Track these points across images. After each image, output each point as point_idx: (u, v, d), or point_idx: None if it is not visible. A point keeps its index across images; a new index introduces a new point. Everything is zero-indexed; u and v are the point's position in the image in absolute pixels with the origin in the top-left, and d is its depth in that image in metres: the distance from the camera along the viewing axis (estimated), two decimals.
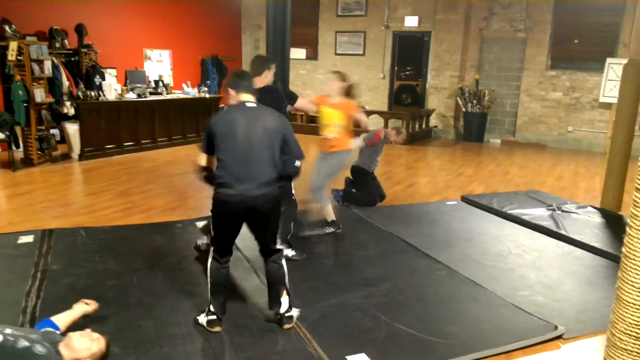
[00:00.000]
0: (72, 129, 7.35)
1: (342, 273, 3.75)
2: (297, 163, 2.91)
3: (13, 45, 6.55)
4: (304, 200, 4.47)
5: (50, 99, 7.05)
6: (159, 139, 8.52)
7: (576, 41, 10.09)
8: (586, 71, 9.83)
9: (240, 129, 2.73)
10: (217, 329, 2.82)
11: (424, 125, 10.95)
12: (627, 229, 2.19)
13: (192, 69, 11.05)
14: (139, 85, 8.84)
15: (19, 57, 6.52)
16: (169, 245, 4.16)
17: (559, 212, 5.35)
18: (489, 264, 4.02)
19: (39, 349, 2.13)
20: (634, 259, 2.14)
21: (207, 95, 9.56)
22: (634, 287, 2.15)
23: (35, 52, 6.68)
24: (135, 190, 5.87)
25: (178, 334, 2.79)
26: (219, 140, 2.72)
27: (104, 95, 7.71)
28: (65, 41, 8.22)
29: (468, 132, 10.77)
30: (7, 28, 7.46)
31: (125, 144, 7.96)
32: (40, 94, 6.73)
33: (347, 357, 2.63)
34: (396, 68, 11.66)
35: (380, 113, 10.82)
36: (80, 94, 7.50)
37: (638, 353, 2.21)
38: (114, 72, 8.90)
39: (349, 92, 4.38)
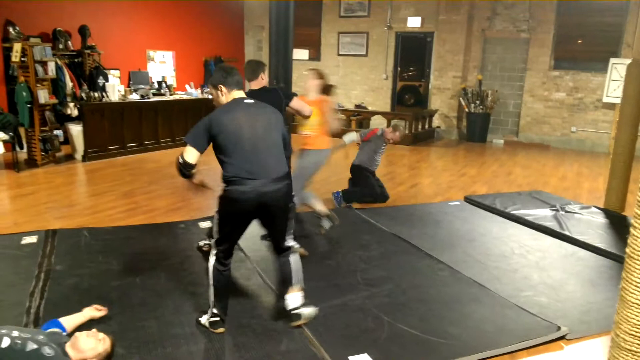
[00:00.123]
0: (76, 130, 7.37)
1: (344, 274, 3.75)
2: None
3: (17, 46, 6.57)
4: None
5: (54, 100, 7.07)
6: (162, 140, 8.54)
7: (579, 41, 10.07)
8: (590, 71, 9.81)
9: (246, 127, 2.71)
10: (221, 329, 2.82)
11: (426, 126, 10.94)
12: (631, 229, 2.18)
13: (195, 70, 11.07)
14: (142, 86, 8.87)
15: (22, 59, 6.54)
16: (172, 246, 4.16)
17: (563, 212, 5.34)
18: (492, 265, 4.01)
19: (47, 350, 2.14)
20: (638, 260, 2.14)
21: (210, 96, 9.55)
22: (638, 287, 2.15)
23: (39, 53, 6.70)
24: (138, 191, 5.88)
25: (181, 334, 2.80)
26: (224, 139, 2.67)
27: (107, 97, 7.73)
28: (69, 42, 8.25)
29: (471, 133, 10.76)
30: (11, 30, 7.50)
31: (129, 144, 7.98)
32: (44, 95, 6.76)
33: (349, 357, 2.63)
34: (399, 69, 11.66)
35: (383, 114, 10.82)
36: (83, 95, 7.53)
37: None
38: (117, 73, 8.93)
39: (326, 91, 4.34)
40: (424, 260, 4.03)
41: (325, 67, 12.12)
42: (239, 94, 2.86)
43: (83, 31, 8.35)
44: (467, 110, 10.66)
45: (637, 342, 2.20)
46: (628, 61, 5.45)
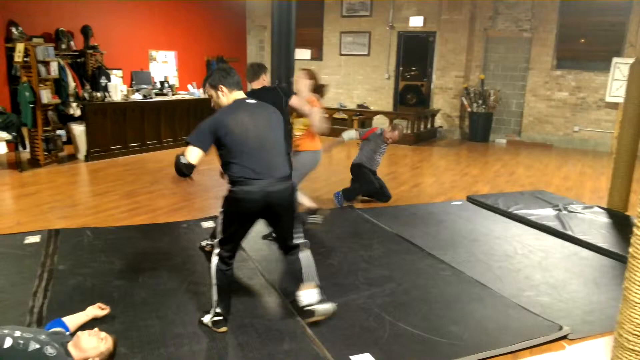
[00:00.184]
0: (78, 129, 7.39)
1: (346, 273, 3.75)
2: None
3: (20, 47, 6.58)
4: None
5: (57, 100, 7.08)
6: (165, 140, 8.55)
7: (582, 41, 10.05)
8: (592, 71, 9.79)
9: (251, 127, 2.72)
10: (223, 329, 2.82)
11: (429, 126, 10.94)
12: (634, 229, 2.18)
13: (197, 70, 11.07)
14: (145, 86, 8.88)
15: (25, 59, 6.56)
16: (175, 246, 4.17)
17: (565, 212, 5.33)
18: (494, 265, 4.01)
19: (50, 350, 2.15)
20: None
21: (209, 97, 9.55)
22: None
23: (42, 53, 6.71)
24: (141, 190, 5.89)
25: (184, 334, 2.80)
26: (229, 140, 2.67)
27: (109, 97, 7.75)
28: (71, 43, 8.26)
29: (473, 132, 10.75)
30: (13, 30, 7.51)
31: (131, 144, 7.99)
32: (46, 95, 6.77)
33: (351, 357, 2.63)
34: (401, 68, 11.65)
35: (385, 113, 10.81)
36: (86, 95, 7.54)
37: None
38: (119, 73, 8.93)
39: (319, 91, 4.30)
40: (426, 260, 4.03)
41: (328, 66, 12.14)
42: (239, 94, 2.87)
43: (85, 31, 8.37)
44: (469, 109, 10.65)
45: None
46: (631, 60, 5.44)
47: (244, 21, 12.69)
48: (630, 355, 2.23)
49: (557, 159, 8.86)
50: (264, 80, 3.93)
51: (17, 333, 2.16)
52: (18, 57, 6.58)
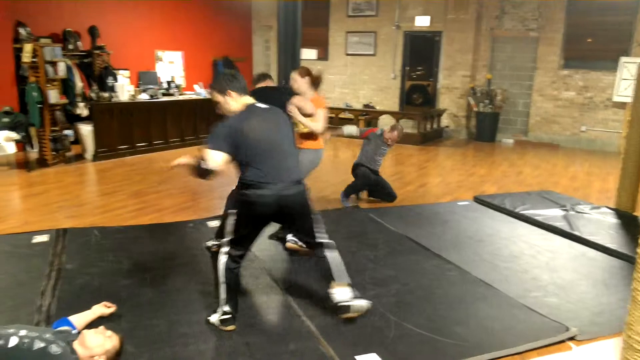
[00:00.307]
0: (86, 129, 7.43)
1: (352, 273, 3.70)
2: None
3: (28, 47, 6.63)
4: None
5: (64, 100, 7.13)
6: (171, 140, 8.58)
7: (589, 40, 9.99)
8: (600, 70, 9.73)
9: (265, 132, 2.76)
10: (231, 327, 2.83)
11: (435, 126, 10.91)
12: None
13: (203, 70, 11.11)
14: (151, 86, 8.92)
15: (33, 59, 6.60)
16: (182, 245, 4.18)
17: (573, 212, 5.30)
18: (501, 265, 3.99)
19: (55, 349, 2.16)
20: None
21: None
22: None
23: (49, 54, 6.75)
24: (148, 190, 5.91)
25: (190, 333, 2.81)
26: (245, 146, 2.70)
27: (116, 97, 7.78)
28: (79, 43, 8.30)
29: (480, 132, 10.71)
30: (21, 31, 7.56)
31: (138, 144, 8.03)
32: (54, 96, 6.81)
33: (357, 356, 2.62)
34: (407, 68, 11.63)
35: (391, 113, 10.80)
36: (93, 95, 7.58)
37: None
38: (126, 73, 8.97)
39: (317, 82, 4.19)
40: (432, 260, 4.02)
41: (334, 66, 12.13)
42: (249, 99, 2.89)
43: (92, 31, 8.41)
44: (476, 109, 10.62)
45: None
46: (639, 60, 5.40)
47: (250, 21, 12.72)
48: (639, 357, 2.21)
49: (564, 159, 8.82)
50: (266, 83, 4.05)
51: (23, 332, 2.17)
52: (26, 57, 6.62)
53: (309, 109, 3.90)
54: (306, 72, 4.13)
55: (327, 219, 4.54)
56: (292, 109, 3.81)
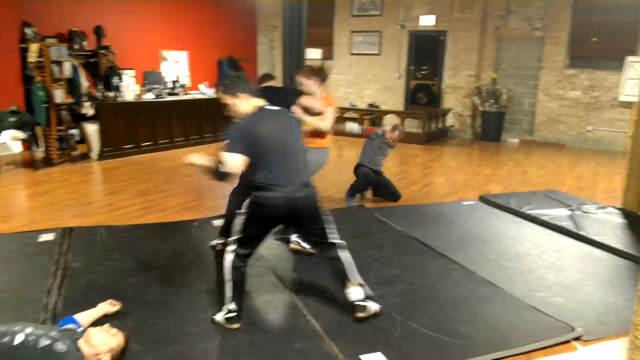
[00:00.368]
0: (91, 129, 7.46)
1: (358, 272, 3.73)
2: None
3: (34, 47, 6.66)
4: None
5: (70, 100, 7.16)
6: (176, 139, 8.60)
7: (595, 39, 9.94)
8: (605, 69, 9.68)
9: (276, 135, 2.78)
10: (236, 325, 2.83)
11: (440, 125, 10.89)
12: None
13: (208, 70, 11.12)
14: (156, 86, 8.94)
15: (39, 59, 6.64)
16: (187, 244, 4.19)
17: (579, 212, 5.27)
18: (506, 265, 3.98)
19: (60, 346, 2.17)
20: None
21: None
22: None
23: (55, 53, 6.79)
24: (153, 189, 5.93)
25: (196, 332, 2.82)
26: (257, 148, 2.71)
27: (122, 96, 7.81)
28: (84, 43, 8.33)
29: (485, 132, 10.68)
30: (27, 30, 7.59)
31: (143, 144, 8.05)
32: (60, 95, 6.85)
33: (361, 356, 2.62)
34: (412, 67, 11.61)
35: (396, 113, 10.78)
36: (99, 94, 7.61)
37: None
38: (132, 73, 9.00)
39: (324, 77, 4.09)
40: (437, 260, 4.01)
41: (338, 66, 12.12)
42: (259, 101, 2.89)
43: (98, 31, 8.44)
44: (481, 109, 10.59)
45: None
46: None
47: (255, 21, 12.73)
48: None
49: (570, 159, 8.78)
50: (271, 84, 4.14)
51: (29, 330, 2.18)
52: (32, 57, 6.65)
53: (319, 107, 3.86)
54: (311, 72, 4.06)
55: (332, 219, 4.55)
56: (296, 110, 3.80)
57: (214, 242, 4.08)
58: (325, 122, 3.99)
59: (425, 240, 4.42)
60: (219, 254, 3.93)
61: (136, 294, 3.26)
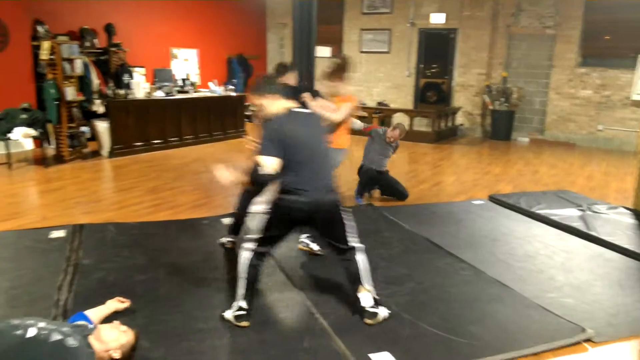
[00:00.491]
0: (102, 126, 7.51)
1: None
2: None
3: (45, 44, 6.71)
4: None
5: (81, 97, 7.21)
6: (186, 137, 8.64)
7: (607, 37, 9.84)
8: (618, 68, 9.58)
9: (304, 138, 2.80)
10: (245, 323, 2.85)
11: (450, 124, 10.84)
12: None
13: (218, 68, 11.16)
14: (167, 83, 8.98)
15: (51, 56, 6.68)
16: (196, 242, 4.21)
17: (590, 212, 5.23)
18: (516, 265, 3.96)
19: (71, 341, 2.18)
20: None
21: (234, 94, 9.66)
22: None
23: (67, 51, 6.83)
24: (163, 187, 5.96)
25: (205, 329, 2.83)
26: (287, 148, 2.72)
27: (132, 94, 7.85)
28: (95, 40, 8.39)
29: (495, 131, 10.62)
30: (39, 28, 7.66)
31: (153, 141, 8.09)
32: (71, 92, 6.89)
33: (370, 355, 2.62)
34: (422, 66, 11.56)
35: (405, 111, 10.75)
36: (109, 92, 7.66)
37: None
38: (142, 70, 9.05)
39: (344, 72, 4.08)
40: (446, 259, 4.00)
41: None
42: (288, 103, 2.91)
43: (109, 29, 8.49)
44: (491, 107, 10.52)
45: None
46: None
47: (264, 19, 12.74)
48: None
49: (581, 158, 8.71)
50: (288, 80, 3.96)
51: (42, 324, 2.21)
52: (44, 54, 6.70)
53: (330, 113, 3.87)
54: (335, 74, 4.03)
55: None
56: (307, 98, 3.81)
57: (224, 239, 4.10)
58: (336, 115, 3.98)
59: (434, 239, 4.40)
60: (229, 251, 3.96)
61: (146, 290, 3.28)
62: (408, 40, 11.45)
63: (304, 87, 4.21)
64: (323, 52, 12.05)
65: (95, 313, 2.76)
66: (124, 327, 2.44)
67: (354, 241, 3.00)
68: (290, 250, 4.03)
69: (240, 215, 3.98)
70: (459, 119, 11.19)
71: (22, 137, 6.85)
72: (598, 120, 9.93)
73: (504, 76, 10.51)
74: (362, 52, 12.08)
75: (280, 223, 2.86)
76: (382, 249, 4.16)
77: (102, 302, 2.89)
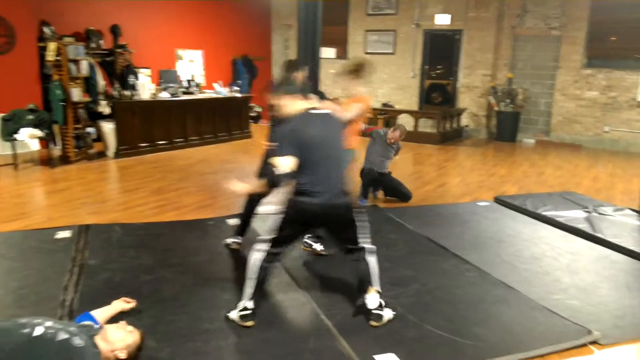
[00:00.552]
0: (108, 127, 7.53)
1: None
2: None
3: (52, 45, 6.75)
4: None
5: (87, 98, 7.24)
6: (191, 138, 8.66)
7: (613, 39, 9.80)
8: (624, 69, 9.54)
9: (320, 139, 2.80)
10: (250, 323, 2.85)
11: (455, 125, 10.82)
12: None
13: (223, 69, 11.18)
14: (172, 84, 9.01)
15: (57, 58, 6.72)
16: (202, 242, 4.22)
17: (595, 214, 5.21)
18: (521, 266, 3.94)
19: (77, 341, 2.19)
20: None
21: (239, 95, 9.68)
22: None
23: (73, 52, 6.87)
24: (168, 187, 5.98)
25: (211, 329, 2.84)
26: (303, 149, 2.73)
27: (138, 95, 7.87)
28: (101, 42, 8.42)
29: (500, 132, 10.59)
30: (46, 29, 7.70)
31: (159, 142, 8.11)
32: (77, 94, 6.93)
33: (375, 356, 2.62)
34: (427, 67, 11.55)
35: (410, 112, 10.73)
36: (115, 93, 7.69)
37: None
38: (147, 71, 9.08)
39: (358, 72, 4.06)
40: (451, 261, 3.99)
41: None
42: (306, 103, 2.92)
43: (114, 30, 8.52)
44: (496, 108, 10.50)
45: None
46: None
47: (269, 20, 12.76)
48: None
49: (587, 160, 8.67)
50: (296, 79, 3.92)
51: (49, 323, 2.22)
52: (50, 55, 6.74)
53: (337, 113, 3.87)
54: (353, 75, 4.02)
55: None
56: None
57: (229, 240, 4.10)
58: (346, 113, 3.97)
59: (439, 240, 4.40)
60: (234, 252, 3.97)
61: (151, 291, 3.29)
62: (413, 41, 11.44)
63: (308, 88, 4.20)
64: (328, 53, 12.07)
65: (101, 313, 2.77)
66: (130, 328, 2.45)
67: (365, 242, 2.99)
68: (295, 252, 4.03)
69: (247, 216, 3.99)
70: (464, 120, 11.17)
71: (29, 138, 6.89)
72: (604, 121, 9.88)
73: (509, 77, 10.49)
74: (367, 53, 12.06)
75: (294, 224, 2.86)
76: (387, 251, 4.15)
77: (108, 303, 2.90)
